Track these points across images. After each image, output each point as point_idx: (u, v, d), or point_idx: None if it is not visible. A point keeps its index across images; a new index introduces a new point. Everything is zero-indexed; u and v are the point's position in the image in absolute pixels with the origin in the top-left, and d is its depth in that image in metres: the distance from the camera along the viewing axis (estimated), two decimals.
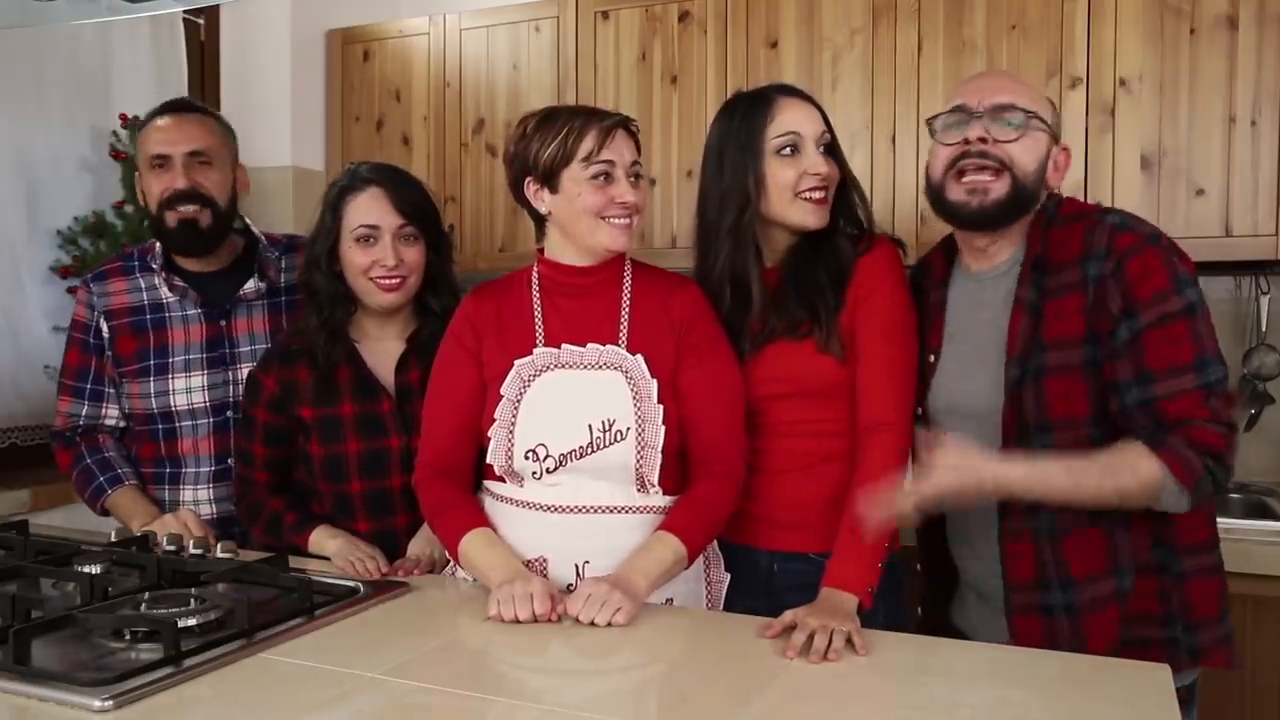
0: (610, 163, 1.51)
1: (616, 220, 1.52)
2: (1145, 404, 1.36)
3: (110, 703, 1.09)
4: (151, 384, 1.95)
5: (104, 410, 2.01)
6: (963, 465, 1.35)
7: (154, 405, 1.96)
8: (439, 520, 1.58)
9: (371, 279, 1.74)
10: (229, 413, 1.96)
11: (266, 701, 1.14)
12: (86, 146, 2.76)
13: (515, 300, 1.61)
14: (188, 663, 1.21)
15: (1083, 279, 1.41)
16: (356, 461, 1.76)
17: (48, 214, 2.67)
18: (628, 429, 1.50)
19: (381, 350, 1.82)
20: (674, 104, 2.72)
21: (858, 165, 2.40)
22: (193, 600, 1.40)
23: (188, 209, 1.93)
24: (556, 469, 1.51)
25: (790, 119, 1.59)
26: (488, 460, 1.57)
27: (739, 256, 1.61)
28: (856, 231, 1.65)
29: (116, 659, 1.25)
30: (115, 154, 2.73)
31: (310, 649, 1.30)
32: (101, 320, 1.98)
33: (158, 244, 2.01)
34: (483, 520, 1.54)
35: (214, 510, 1.96)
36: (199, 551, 1.64)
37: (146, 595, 1.42)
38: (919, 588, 1.72)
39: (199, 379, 1.96)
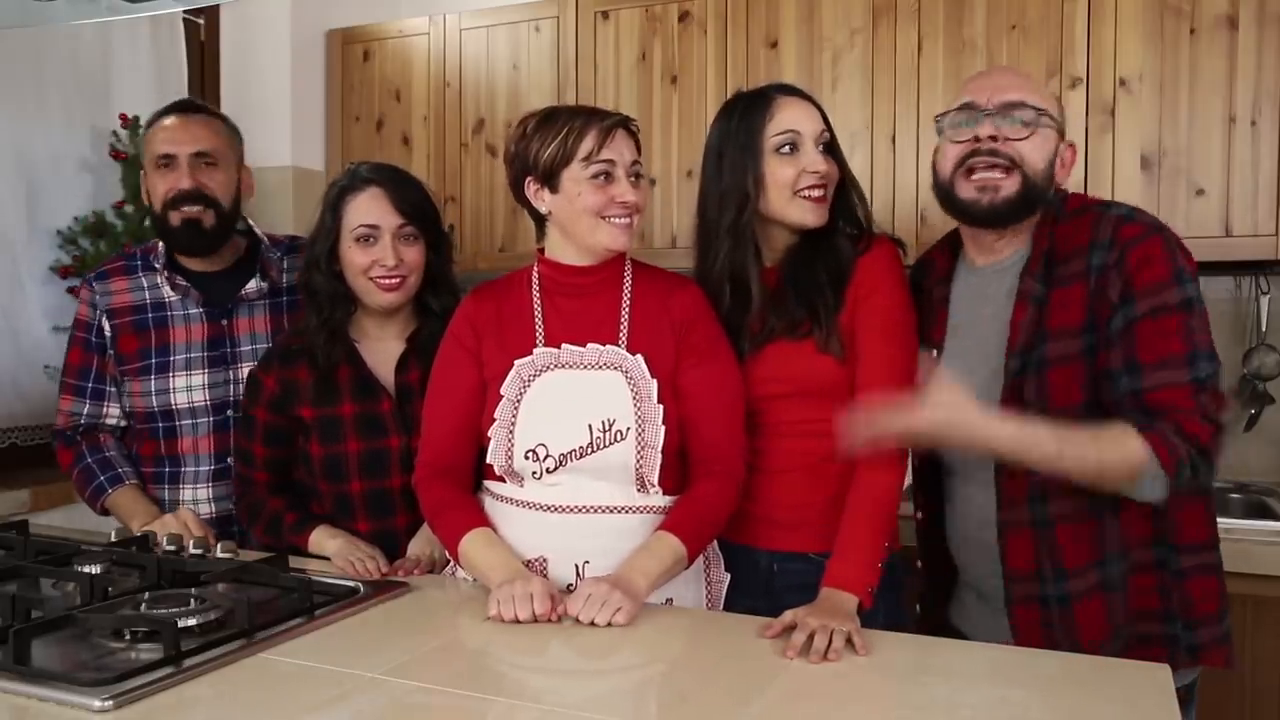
0: (610, 162, 1.51)
1: (617, 220, 1.52)
2: (1135, 393, 1.36)
3: (110, 703, 1.09)
4: (152, 382, 1.96)
5: (105, 409, 2.01)
6: (956, 405, 1.34)
7: (154, 404, 1.96)
8: (439, 520, 1.58)
9: (371, 279, 1.74)
10: (229, 412, 1.96)
11: (266, 701, 1.14)
12: (86, 146, 2.76)
13: (515, 300, 1.61)
14: (188, 663, 1.21)
15: (1087, 268, 1.42)
16: (356, 461, 1.76)
17: (48, 214, 2.67)
18: (628, 429, 1.50)
19: (381, 350, 1.82)
20: (674, 104, 2.72)
21: (858, 165, 2.40)
22: (193, 600, 1.40)
23: (192, 209, 1.94)
24: (556, 469, 1.51)
25: (789, 118, 1.59)
26: (488, 460, 1.57)
27: (738, 255, 1.61)
28: (856, 231, 1.65)
29: (116, 659, 1.25)
30: (115, 154, 2.72)
31: (310, 649, 1.30)
32: (104, 319, 1.99)
33: (160, 243, 2.02)
34: (483, 520, 1.54)
35: (213, 509, 1.96)
36: (199, 551, 1.64)
37: (146, 595, 1.42)
38: (918, 587, 1.72)
39: (199, 378, 1.96)
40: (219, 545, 1.66)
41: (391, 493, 1.76)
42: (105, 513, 1.97)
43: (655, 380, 1.52)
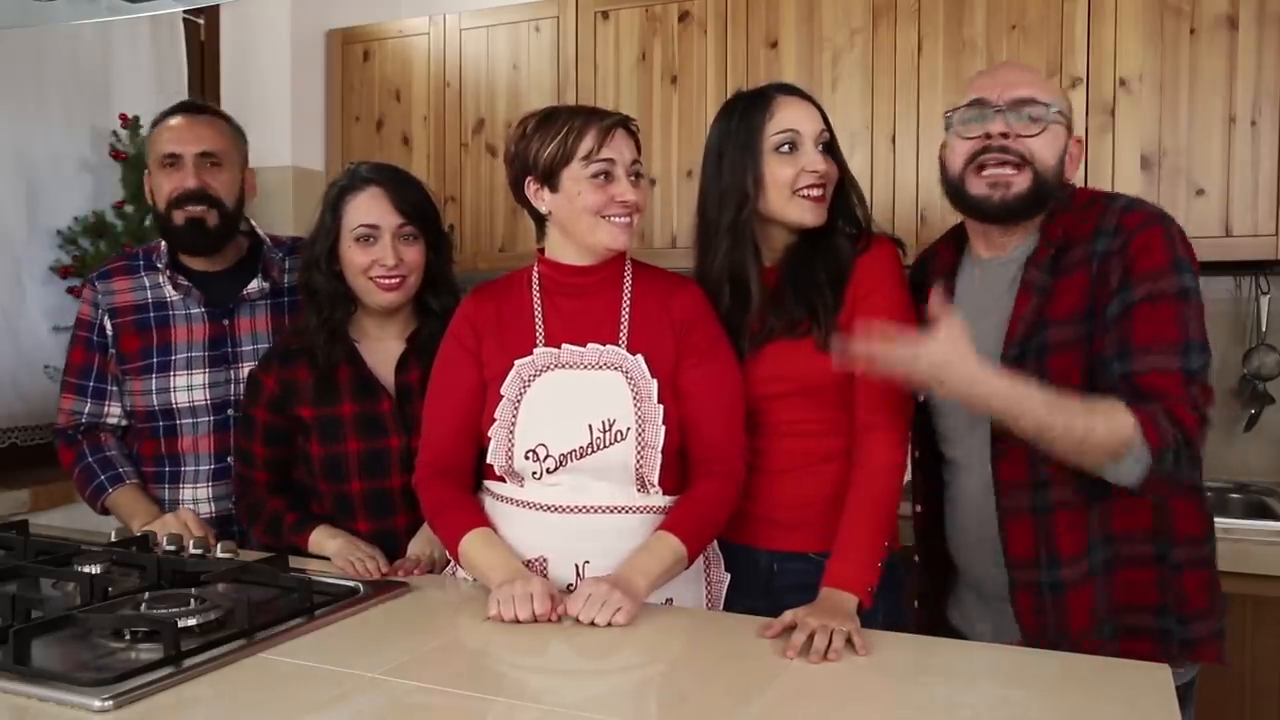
0: (610, 161, 1.51)
1: (617, 219, 1.52)
2: (1126, 376, 1.36)
3: (110, 703, 1.09)
4: (153, 381, 1.96)
5: (106, 408, 2.01)
6: (957, 348, 1.30)
7: (155, 402, 1.96)
8: (439, 520, 1.58)
9: (371, 278, 1.74)
10: (230, 411, 1.96)
11: (266, 701, 1.14)
12: (86, 146, 2.76)
13: (515, 300, 1.61)
14: (188, 663, 1.21)
15: (1089, 255, 1.42)
16: (356, 461, 1.76)
17: (48, 214, 2.67)
18: (628, 429, 1.50)
19: (381, 350, 1.82)
20: (674, 104, 2.72)
21: (857, 165, 2.41)
22: (193, 600, 1.40)
23: (196, 209, 1.94)
24: (557, 469, 1.51)
25: (789, 117, 1.59)
26: (488, 460, 1.57)
27: (737, 254, 1.61)
28: (855, 231, 1.65)
29: (116, 659, 1.25)
30: (115, 154, 2.72)
31: (310, 649, 1.30)
32: (106, 318, 1.99)
33: (163, 243, 2.02)
34: (483, 520, 1.54)
35: (213, 509, 1.96)
36: (199, 551, 1.63)
37: (146, 595, 1.42)
38: (917, 583, 1.72)
39: (200, 377, 1.96)
40: (219, 545, 1.66)
41: (391, 493, 1.76)
42: (105, 512, 1.97)
43: (655, 380, 1.52)
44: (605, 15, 2.79)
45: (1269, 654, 2.00)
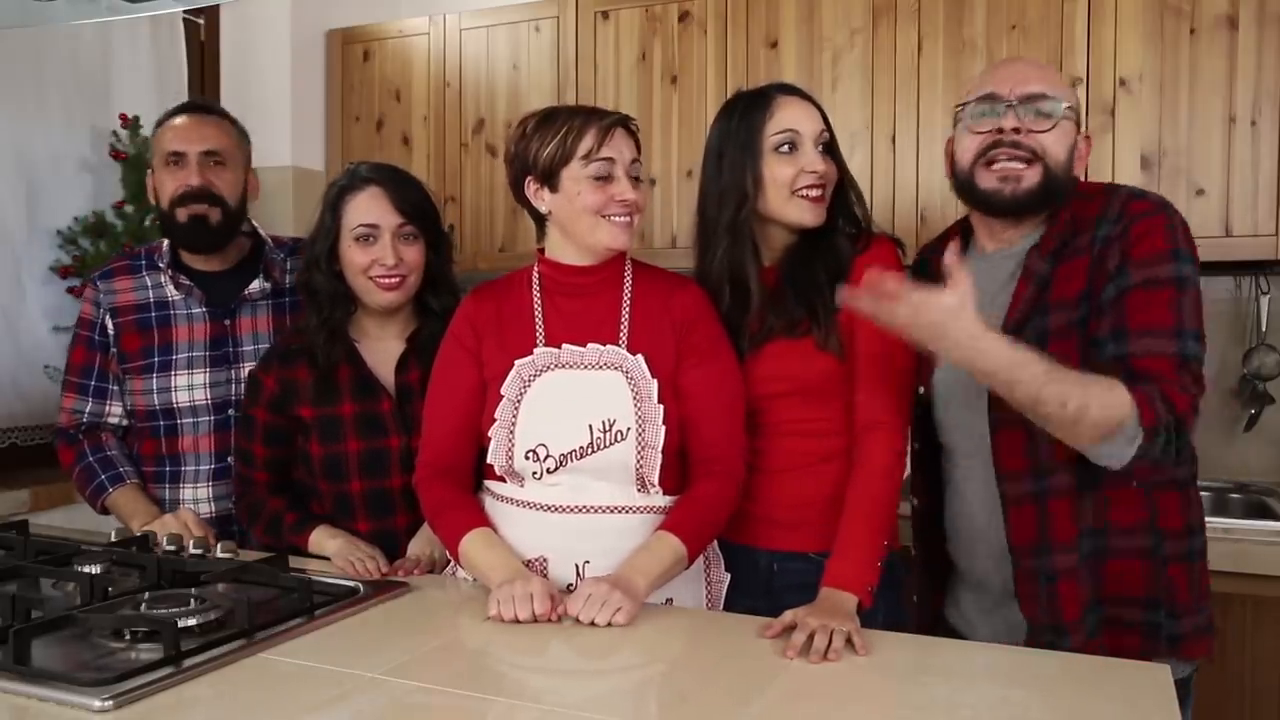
0: (610, 160, 1.51)
1: (616, 218, 1.52)
2: (1120, 358, 1.36)
3: (110, 703, 1.09)
4: (154, 380, 1.96)
5: (107, 407, 2.01)
6: (963, 306, 1.27)
7: (156, 402, 1.96)
8: (439, 520, 1.58)
9: (371, 278, 1.74)
10: (230, 411, 1.96)
11: (266, 701, 1.14)
12: (86, 146, 2.77)
13: (515, 300, 1.61)
14: (188, 663, 1.20)
15: (1091, 241, 1.42)
16: (356, 461, 1.76)
17: (48, 214, 2.67)
18: (628, 429, 1.50)
19: (381, 350, 1.82)
20: (674, 104, 2.72)
21: (858, 165, 2.41)
22: (193, 600, 1.40)
23: (199, 207, 1.95)
24: (557, 469, 1.51)
25: (789, 117, 1.59)
26: (488, 460, 1.57)
27: (736, 253, 1.61)
28: (855, 231, 1.65)
29: (116, 659, 1.25)
30: (115, 154, 2.73)
31: (310, 649, 1.30)
32: (107, 317, 1.99)
33: (165, 243, 2.03)
34: (483, 520, 1.54)
35: (213, 509, 1.96)
36: (199, 551, 1.63)
37: (146, 595, 1.42)
38: (916, 580, 1.72)
39: (201, 376, 1.96)
40: (219, 545, 1.66)
41: (391, 492, 1.76)
42: (105, 512, 1.97)
43: (655, 380, 1.52)
44: (605, 15, 2.79)
45: (1269, 654, 2.00)
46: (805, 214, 1.59)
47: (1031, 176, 1.44)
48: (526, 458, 1.52)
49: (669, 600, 1.53)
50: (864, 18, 2.51)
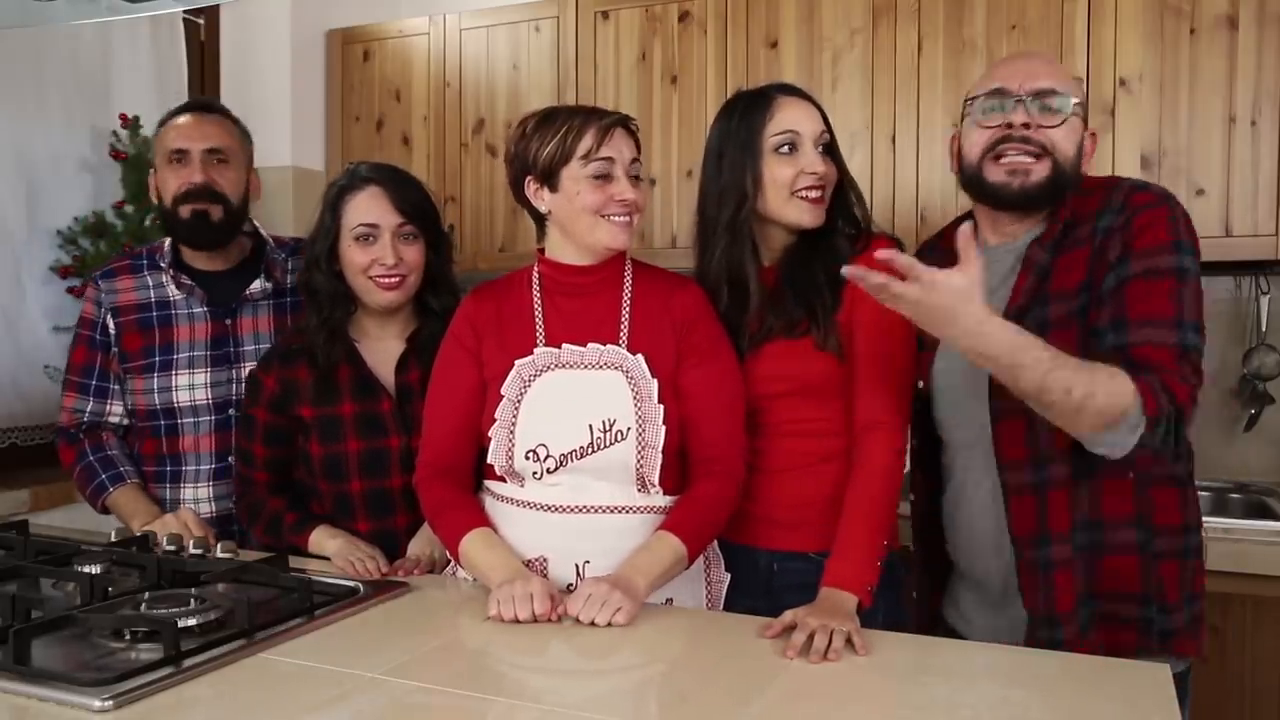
0: (609, 160, 1.51)
1: (616, 218, 1.52)
2: (1120, 348, 1.36)
3: (110, 703, 1.09)
4: (155, 380, 1.96)
5: (108, 407, 2.01)
6: (971, 288, 1.25)
7: (156, 401, 1.96)
8: (439, 520, 1.58)
9: (371, 278, 1.74)
10: (231, 411, 1.96)
11: (266, 701, 1.14)
12: (86, 146, 2.77)
13: (515, 300, 1.61)
14: (188, 663, 1.20)
15: (1093, 231, 1.42)
16: (356, 461, 1.76)
17: (48, 214, 2.67)
18: (628, 429, 1.50)
19: (381, 350, 1.82)
20: (674, 104, 2.72)
21: (858, 165, 2.41)
22: (193, 600, 1.40)
23: (202, 204, 1.95)
24: (557, 469, 1.51)
25: (789, 118, 1.59)
26: (488, 460, 1.57)
27: (735, 252, 1.61)
28: (854, 231, 1.65)
29: (116, 659, 1.25)
30: (115, 154, 2.73)
31: (310, 649, 1.30)
32: (108, 317, 1.99)
33: (166, 242, 2.03)
34: (483, 520, 1.54)
35: (214, 509, 1.96)
36: (199, 551, 1.63)
37: (146, 595, 1.42)
38: (916, 580, 1.72)
39: (202, 376, 1.97)
40: (219, 545, 1.66)
41: (391, 492, 1.76)
42: (106, 511, 1.97)
43: (656, 380, 1.52)
44: (605, 15, 2.80)
45: (1269, 654, 2.00)
46: (804, 215, 1.59)
47: (1040, 170, 1.44)
48: (527, 458, 1.52)
49: (669, 600, 1.53)
50: (864, 18, 2.51)
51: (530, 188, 1.56)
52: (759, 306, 1.61)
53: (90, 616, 1.32)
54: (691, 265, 1.71)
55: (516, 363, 1.55)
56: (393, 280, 1.75)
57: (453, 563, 1.63)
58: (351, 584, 1.55)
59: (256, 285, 2.02)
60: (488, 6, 2.98)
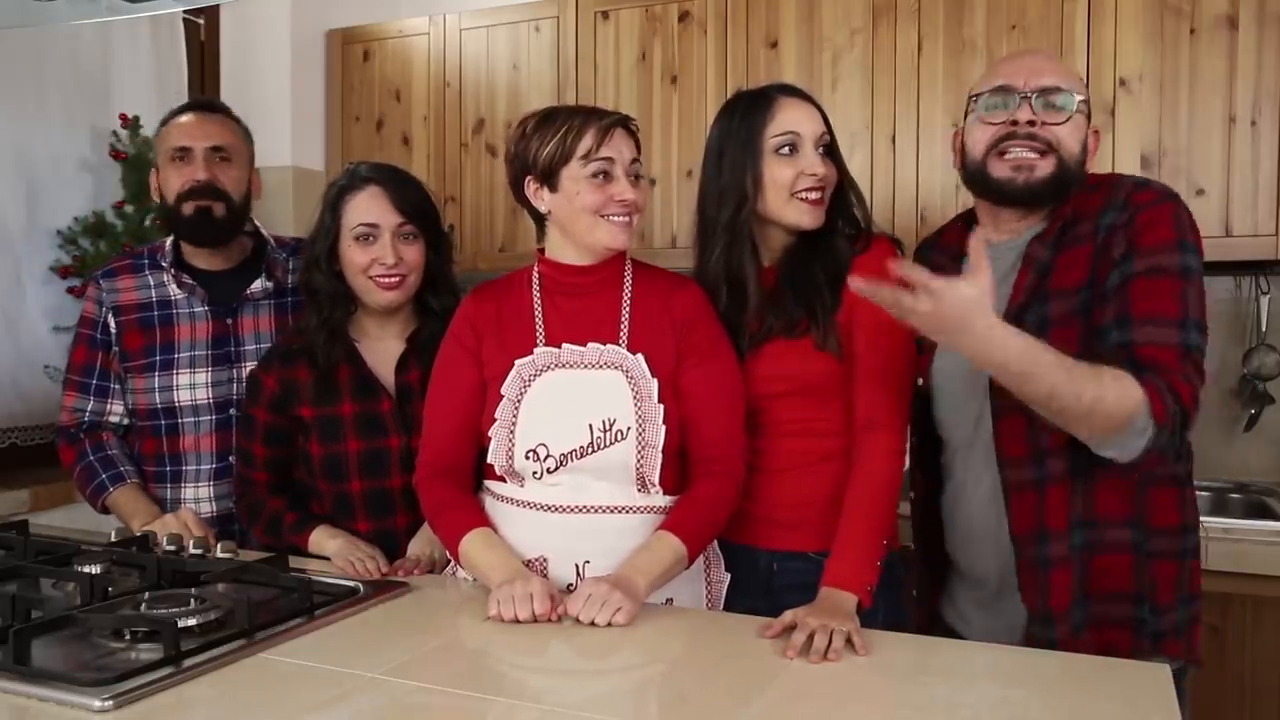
0: (609, 160, 1.51)
1: (616, 218, 1.52)
2: (1124, 346, 1.36)
3: (110, 703, 1.09)
4: (156, 379, 1.97)
5: (109, 406, 2.01)
6: (982, 299, 1.24)
7: (157, 400, 1.96)
8: (439, 520, 1.58)
9: (371, 278, 1.74)
10: (232, 410, 1.96)
11: (266, 701, 1.14)
12: (86, 146, 2.77)
13: (515, 300, 1.61)
14: (188, 663, 1.20)
15: (1095, 229, 1.42)
16: (356, 461, 1.76)
17: (48, 214, 2.67)
18: (628, 429, 1.50)
19: (381, 350, 1.82)
20: (674, 104, 2.72)
21: (858, 165, 2.41)
22: (193, 600, 1.40)
23: (205, 201, 1.95)
24: (557, 469, 1.51)
25: (790, 119, 1.59)
26: (488, 460, 1.57)
27: (734, 252, 1.61)
28: (854, 231, 1.65)
29: (116, 659, 1.25)
30: (115, 154, 2.73)
31: (310, 649, 1.30)
32: (109, 316, 2.00)
33: (168, 242, 2.03)
34: (483, 520, 1.54)
35: (215, 508, 1.96)
36: (199, 551, 1.63)
37: (146, 595, 1.42)
38: (916, 579, 1.73)
39: (203, 375, 1.97)
40: (219, 545, 1.66)
41: (391, 492, 1.76)
42: (106, 511, 1.97)
43: (656, 380, 1.52)
44: (605, 15, 2.80)
45: (1269, 654, 2.00)
46: (804, 216, 1.59)
47: (1045, 167, 1.44)
48: (527, 457, 1.52)
49: (669, 600, 1.53)
50: (864, 18, 2.51)
51: (530, 188, 1.56)
52: (758, 306, 1.61)
53: (90, 616, 1.32)
54: (691, 265, 1.71)
55: (516, 362, 1.55)
56: (393, 280, 1.75)
57: (453, 563, 1.63)
58: (351, 584, 1.55)
59: (258, 285, 2.02)
60: (488, 6, 2.98)
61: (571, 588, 1.48)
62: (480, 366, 1.59)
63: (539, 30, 2.89)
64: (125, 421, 2.03)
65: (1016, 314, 1.43)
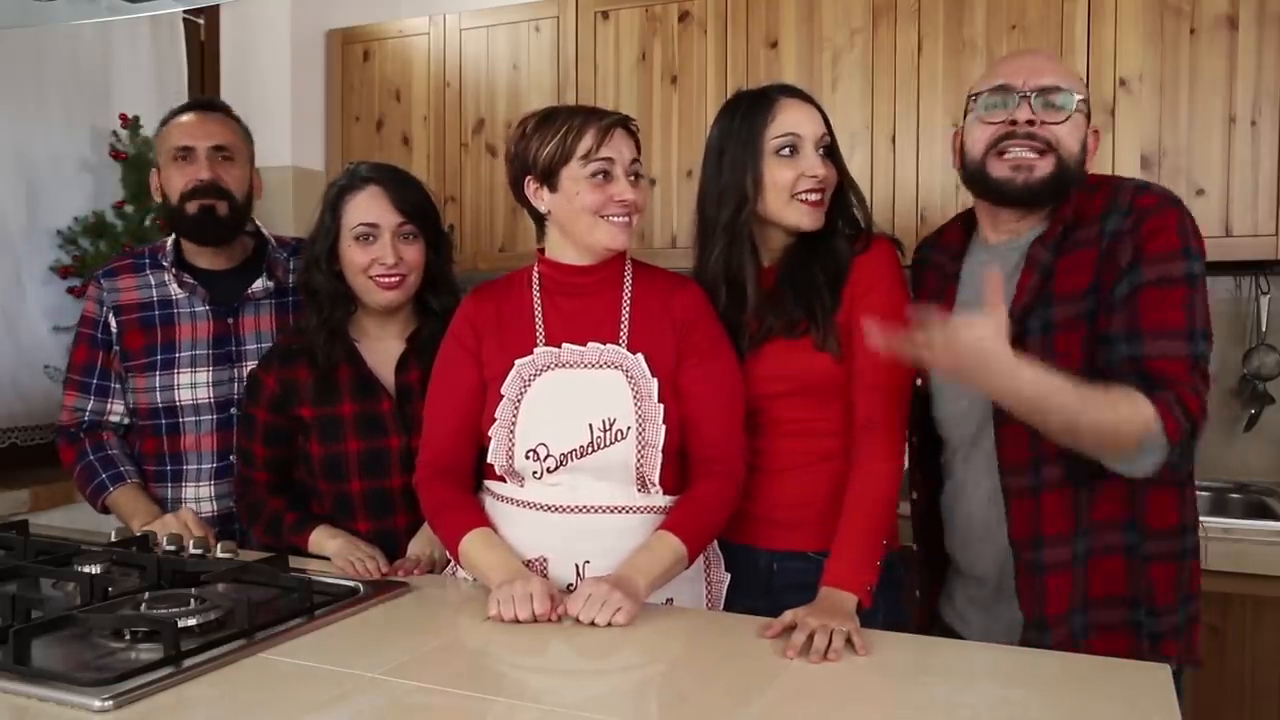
0: (609, 160, 1.51)
1: (616, 218, 1.52)
2: (1134, 359, 1.36)
3: (110, 703, 1.09)
4: (157, 378, 1.97)
5: (109, 406, 2.01)
6: (997, 338, 1.23)
7: (158, 400, 1.97)
8: (439, 520, 1.58)
9: (371, 277, 1.74)
10: (233, 410, 1.96)
11: (266, 701, 1.14)
12: (86, 146, 2.77)
13: (515, 300, 1.61)
14: (188, 663, 1.21)
15: (1099, 233, 1.42)
16: (356, 461, 1.76)
17: (48, 214, 2.67)
18: (628, 428, 1.50)
19: (381, 350, 1.82)
20: (674, 104, 2.72)
21: (858, 165, 2.41)
22: (193, 600, 1.40)
23: (208, 200, 1.96)
24: (557, 469, 1.51)
25: (790, 120, 1.59)
26: (488, 460, 1.57)
27: (734, 253, 1.61)
28: (854, 232, 1.65)
29: (116, 659, 1.25)
30: (115, 154, 2.73)
31: (310, 649, 1.30)
32: (110, 315, 2.00)
33: (169, 241, 2.03)
34: (483, 520, 1.54)
35: (215, 508, 1.96)
36: (199, 551, 1.63)
37: (146, 595, 1.42)
38: (915, 577, 1.72)
39: (204, 375, 1.97)
40: (219, 545, 1.66)
41: (391, 492, 1.76)
42: (106, 511, 1.97)
43: (656, 379, 1.52)
44: (605, 15, 2.79)
45: (1269, 654, 2.00)
46: (804, 218, 1.59)
47: (1045, 166, 1.44)
48: (527, 457, 1.52)
49: (669, 600, 1.53)
50: (864, 18, 2.51)
51: (530, 188, 1.56)
52: (757, 306, 1.61)
53: (90, 616, 1.32)
54: (691, 265, 1.71)
55: (516, 362, 1.55)
56: (393, 280, 1.75)
57: (453, 563, 1.63)
58: (351, 584, 1.55)
59: (258, 284, 2.02)
60: (488, 6, 2.98)
61: (571, 588, 1.48)
62: (480, 366, 1.59)
63: (539, 30, 2.89)
64: (126, 421, 2.03)
65: (1020, 316, 1.43)
